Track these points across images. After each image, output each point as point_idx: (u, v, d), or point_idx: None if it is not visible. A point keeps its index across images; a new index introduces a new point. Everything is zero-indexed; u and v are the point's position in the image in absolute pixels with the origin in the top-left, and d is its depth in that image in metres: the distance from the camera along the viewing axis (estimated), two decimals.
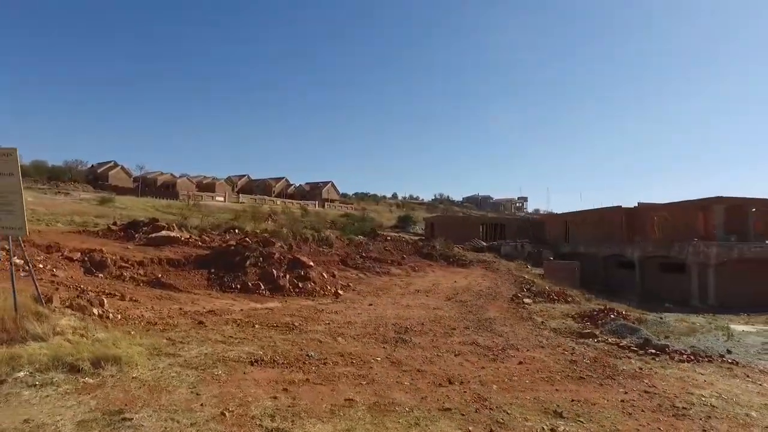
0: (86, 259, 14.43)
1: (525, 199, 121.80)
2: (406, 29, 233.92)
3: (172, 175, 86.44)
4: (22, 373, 5.19)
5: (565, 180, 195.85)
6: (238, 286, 13.25)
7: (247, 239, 16.26)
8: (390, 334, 8.77)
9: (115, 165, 79.29)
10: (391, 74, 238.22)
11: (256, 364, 6.26)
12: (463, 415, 5.07)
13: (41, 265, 13.46)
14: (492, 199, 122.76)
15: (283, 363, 6.39)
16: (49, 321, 6.79)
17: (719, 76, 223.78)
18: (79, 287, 11.06)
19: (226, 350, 6.72)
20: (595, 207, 28.19)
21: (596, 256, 23.35)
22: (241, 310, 10.44)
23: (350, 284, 15.30)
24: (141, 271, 14.15)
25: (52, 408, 4.47)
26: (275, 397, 5.12)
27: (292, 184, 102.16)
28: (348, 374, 6.17)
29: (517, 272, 20.54)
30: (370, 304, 12.01)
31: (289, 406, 4.89)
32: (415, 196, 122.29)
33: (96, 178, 74.88)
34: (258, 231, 19.45)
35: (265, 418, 4.55)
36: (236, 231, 19.32)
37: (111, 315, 8.36)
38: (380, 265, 21.01)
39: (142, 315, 9.08)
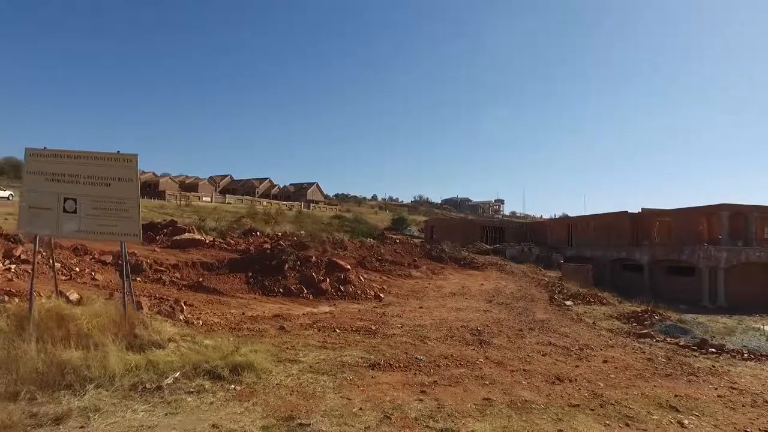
0: (120, 262, 14.07)
1: (502, 201, 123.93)
2: (389, 32, 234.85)
3: (153, 174, 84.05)
4: (168, 380, 5.17)
5: (540, 183, 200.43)
6: (281, 290, 13.18)
7: (281, 243, 16.15)
8: (466, 335, 8.97)
9: None
10: (372, 76, 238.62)
11: (376, 368, 6.36)
12: (592, 410, 5.39)
13: (77, 269, 13.11)
14: (470, 201, 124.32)
15: (399, 367, 6.50)
16: (155, 328, 6.71)
17: (716, 78, 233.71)
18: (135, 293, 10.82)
19: (338, 355, 6.78)
20: (595, 212, 29.20)
21: (603, 259, 24.18)
22: (304, 314, 10.44)
23: (384, 287, 15.41)
24: (177, 275, 13.90)
25: (227, 414, 4.50)
26: (420, 400, 5.26)
27: (276, 185, 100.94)
28: (467, 375, 6.35)
29: (532, 275, 21.05)
30: (420, 307, 12.17)
31: (438, 407, 5.05)
32: (395, 198, 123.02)
33: None
34: (279, 234, 19.30)
35: (427, 419, 4.70)
36: (257, 233, 19.13)
37: (194, 321, 8.28)
38: (398, 268, 21.14)
39: (213, 320, 9.02)
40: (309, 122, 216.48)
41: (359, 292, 13.69)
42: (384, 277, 18.57)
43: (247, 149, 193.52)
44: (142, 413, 4.40)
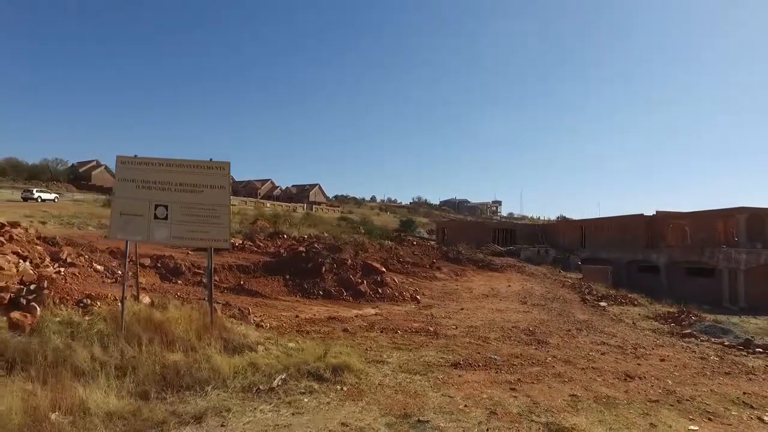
0: (159, 265, 14.23)
1: (499, 203, 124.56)
2: (388, 35, 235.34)
3: None
4: (277, 382, 5.37)
5: (538, 185, 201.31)
6: (320, 293, 13.38)
7: (315, 245, 16.34)
8: (521, 336, 9.22)
9: (98, 164, 76.34)
10: (372, 77, 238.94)
11: (458, 367, 6.59)
12: (671, 405, 5.69)
13: (119, 272, 13.23)
14: (469, 202, 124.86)
15: (479, 366, 6.74)
16: (239, 331, 6.91)
17: (717, 77, 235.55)
18: (182, 296, 11.00)
19: (417, 356, 7.00)
20: (595, 213, 29.51)
21: (619, 260, 24.52)
22: (355, 316, 10.65)
23: (416, 288, 15.64)
24: (216, 278, 14.05)
25: (348, 413, 4.71)
26: (514, 396, 5.52)
27: (278, 187, 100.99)
28: (544, 374, 6.61)
29: (552, 276, 21.36)
30: (462, 309, 12.41)
31: (533, 403, 5.31)
32: (393, 199, 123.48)
33: (77, 178, 71.96)
34: (305, 236, 19.49)
35: (528, 414, 4.96)
36: (283, 236, 19.31)
37: (262, 324, 8.48)
38: (421, 270, 21.39)
39: (272, 323, 9.21)
40: (309, 123, 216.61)
41: (396, 294, 13.90)
42: (410, 279, 18.82)
43: (247, 149, 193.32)
44: (269, 413, 4.60)
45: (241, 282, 13.49)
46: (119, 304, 8.10)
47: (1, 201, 35.30)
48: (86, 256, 13.50)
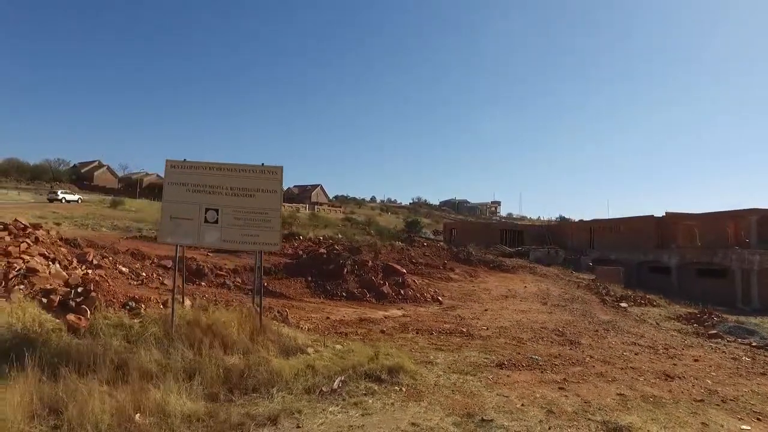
0: (182, 266, 14.30)
1: (498, 203, 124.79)
2: (387, 35, 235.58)
3: (158, 176, 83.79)
4: (337, 383, 5.46)
5: (537, 185, 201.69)
6: (343, 294, 13.47)
7: (336, 247, 16.43)
8: (552, 336, 9.34)
9: (101, 165, 76.29)
10: (372, 77, 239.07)
11: (504, 367, 6.70)
12: (717, 405, 5.84)
13: (144, 274, 13.29)
14: (468, 203, 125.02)
15: (523, 366, 6.85)
16: (287, 334, 7.00)
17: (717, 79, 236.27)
18: (211, 298, 11.08)
19: (461, 357, 7.11)
20: (595, 214, 29.67)
21: (629, 261, 24.70)
22: (384, 318, 10.74)
23: (437, 290, 15.73)
24: (239, 279, 14.15)
25: (414, 413, 4.81)
26: (565, 396, 5.64)
27: None
28: (587, 373, 6.73)
29: (565, 277, 21.48)
30: (486, 310, 12.51)
31: (584, 402, 5.43)
32: (393, 200, 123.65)
33: (80, 178, 71.87)
34: (321, 237, 19.56)
35: (583, 413, 5.09)
36: (299, 237, 19.38)
37: (300, 325, 8.56)
38: (435, 271, 21.47)
39: (308, 326, 9.29)
40: (309, 123, 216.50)
41: (418, 295, 14.00)
42: (426, 280, 18.86)
43: (247, 149, 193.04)
44: (339, 414, 4.69)
45: (265, 284, 13.54)
46: (161, 306, 8.22)
47: (8, 202, 35.32)
48: (110, 258, 13.56)
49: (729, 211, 22.22)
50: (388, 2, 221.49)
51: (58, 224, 22.35)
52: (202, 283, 13.40)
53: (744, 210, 21.40)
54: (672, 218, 25.24)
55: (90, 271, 12.05)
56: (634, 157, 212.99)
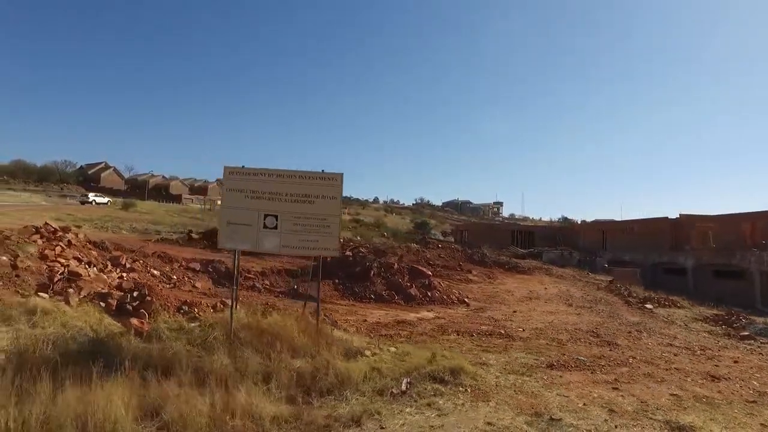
0: (211, 269, 14.47)
1: (501, 204, 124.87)
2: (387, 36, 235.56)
3: (163, 177, 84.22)
4: (404, 385, 5.59)
5: (539, 185, 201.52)
6: (372, 296, 13.60)
7: (361, 250, 16.57)
8: (589, 338, 9.46)
9: (107, 166, 76.54)
10: (372, 77, 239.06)
11: (554, 368, 6.83)
12: None
13: (175, 276, 13.45)
14: (471, 203, 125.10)
15: (573, 367, 6.98)
16: (343, 338, 7.13)
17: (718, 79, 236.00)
18: (243, 300, 11.23)
19: (511, 358, 7.25)
20: (595, 214, 29.77)
21: (643, 262, 24.80)
22: (418, 320, 10.88)
23: (461, 292, 15.85)
24: (267, 282, 14.30)
25: (486, 413, 4.93)
26: (621, 396, 5.78)
27: None
28: (635, 374, 6.88)
29: (583, 279, 21.60)
30: (514, 312, 12.63)
31: (641, 402, 5.57)
32: (396, 200, 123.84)
33: (86, 180, 72.13)
34: (342, 240, 19.69)
35: (643, 412, 5.23)
36: None
37: (347, 328, 8.70)
38: (453, 272, 21.57)
39: (351, 329, 9.43)
40: (309, 123, 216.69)
41: (444, 297, 14.13)
42: (446, 282, 19.00)
43: (247, 149, 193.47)
44: (416, 415, 4.81)
45: (295, 286, 13.69)
46: (211, 310, 8.38)
47: (22, 204, 35.53)
48: (141, 261, 13.71)
49: (746, 213, 22.33)
50: (388, 2, 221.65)
51: (78, 227, 22.49)
52: (232, 286, 13.53)
53: (762, 212, 21.51)
54: (687, 220, 25.37)
55: (125, 275, 12.22)
56: (634, 157, 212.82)
